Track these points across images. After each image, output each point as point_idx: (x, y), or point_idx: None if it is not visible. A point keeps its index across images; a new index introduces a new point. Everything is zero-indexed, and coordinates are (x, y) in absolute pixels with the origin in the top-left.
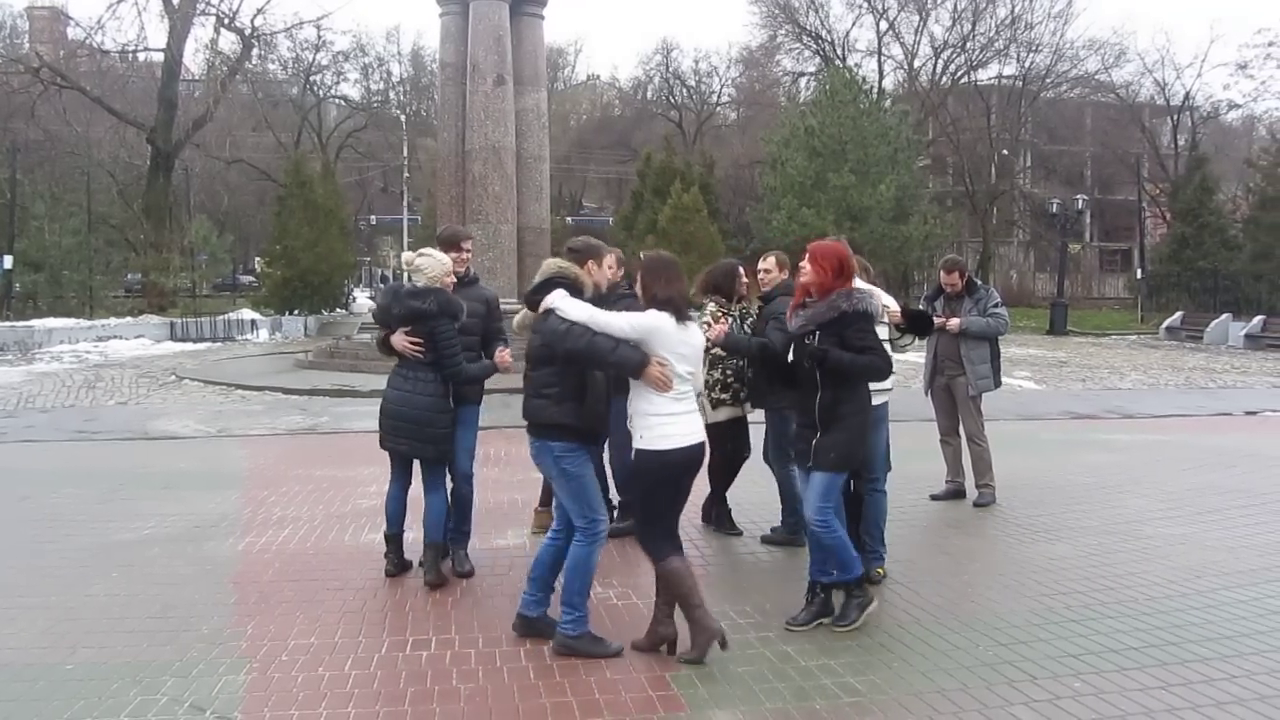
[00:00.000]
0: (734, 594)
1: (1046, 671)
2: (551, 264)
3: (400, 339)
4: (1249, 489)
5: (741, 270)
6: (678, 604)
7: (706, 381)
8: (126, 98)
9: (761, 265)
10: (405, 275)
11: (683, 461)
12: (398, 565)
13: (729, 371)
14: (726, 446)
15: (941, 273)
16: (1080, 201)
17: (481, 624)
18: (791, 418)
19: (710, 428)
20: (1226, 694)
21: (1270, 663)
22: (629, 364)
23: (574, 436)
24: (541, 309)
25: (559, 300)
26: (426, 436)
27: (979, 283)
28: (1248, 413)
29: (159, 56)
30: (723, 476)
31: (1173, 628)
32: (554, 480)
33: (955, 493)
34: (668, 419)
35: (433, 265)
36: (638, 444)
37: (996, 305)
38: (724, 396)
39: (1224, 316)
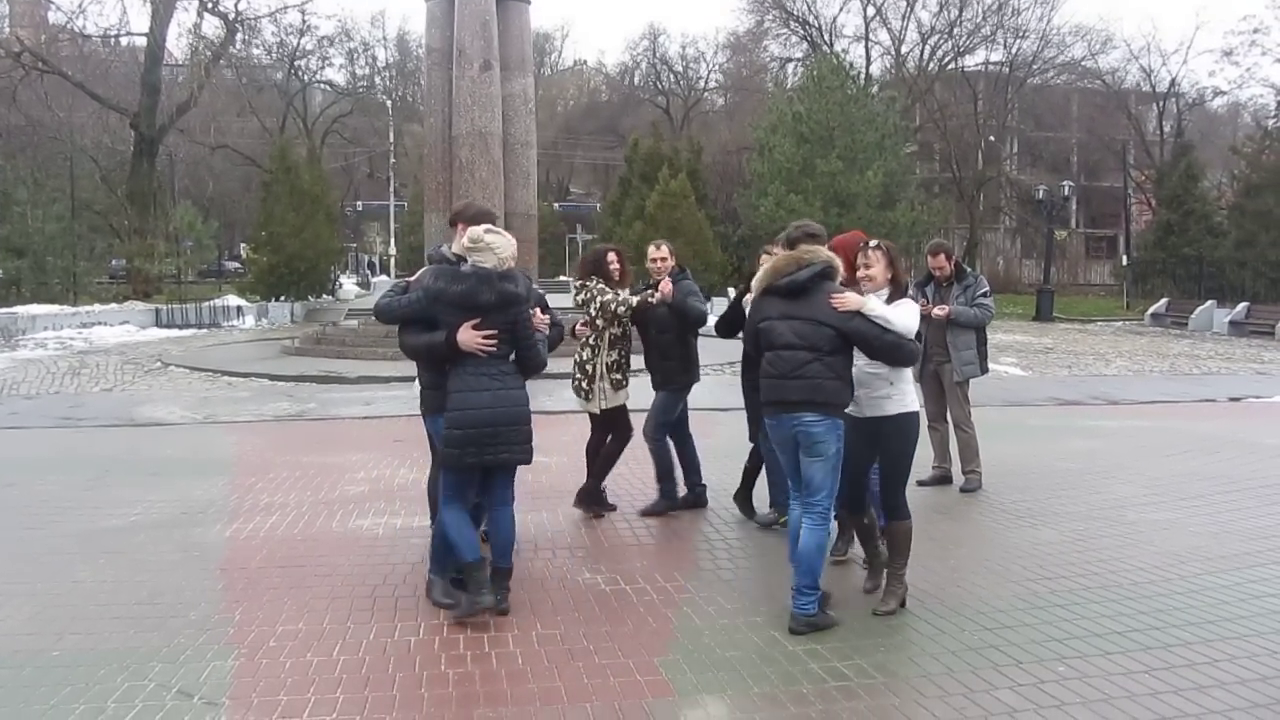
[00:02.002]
0: (719, 580)
1: (1031, 656)
2: (816, 252)
3: (473, 334)
4: (1233, 475)
5: (612, 255)
6: (896, 557)
7: (608, 364)
8: (109, 83)
9: (655, 254)
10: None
11: None
12: (496, 596)
13: (624, 353)
14: (628, 430)
15: (928, 257)
16: (1066, 188)
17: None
18: None
19: (611, 412)
20: (1209, 678)
21: (1252, 647)
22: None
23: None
24: (846, 309)
25: (880, 309)
26: (523, 437)
27: (969, 270)
28: (1232, 399)
29: (141, 41)
30: (614, 460)
31: (1156, 612)
32: (828, 458)
33: (942, 479)
34: None
35: (505, 245)
36: (910, 408)
37: (984, 294)
38: (619, 378)
39: (1209, 303)
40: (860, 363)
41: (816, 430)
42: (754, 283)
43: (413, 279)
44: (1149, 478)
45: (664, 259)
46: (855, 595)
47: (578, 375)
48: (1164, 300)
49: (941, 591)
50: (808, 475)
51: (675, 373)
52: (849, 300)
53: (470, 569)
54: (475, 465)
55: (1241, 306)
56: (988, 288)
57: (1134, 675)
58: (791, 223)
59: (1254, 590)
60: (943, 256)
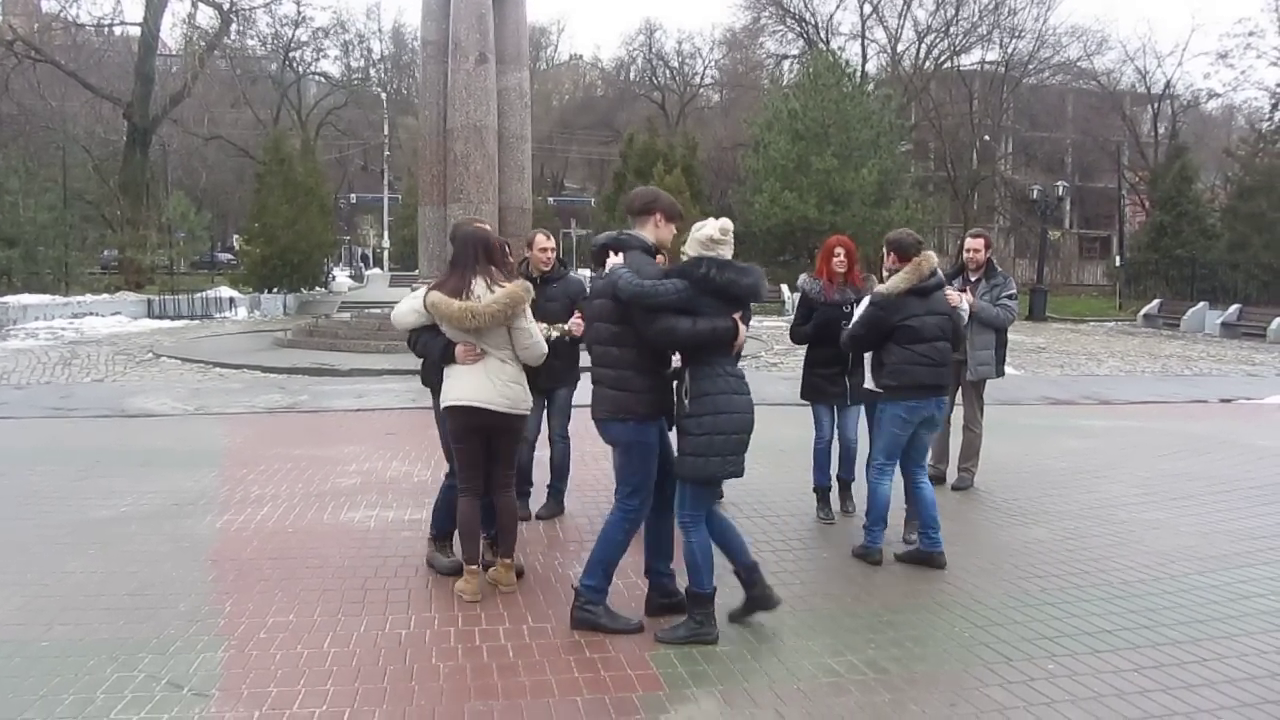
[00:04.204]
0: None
1: (1021, 653)
2: (932, 257)
3: (744, 329)
4: (1222, 475)
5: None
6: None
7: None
8: (102, 72)
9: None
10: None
11: None
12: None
13: None
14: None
15: (966, 238)
16: (1061, 188)
17: (461, 603)
18: None
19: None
20: (1197, 676)
21: (1240, 646)
22: None
23: None
24: (954, 304)
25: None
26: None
27: (999, 269)
28: (1223, 400)
29: (135, 30)
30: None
31: (1146, 611)
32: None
33: (936, 477)
34: None
35: None
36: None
37: (1010, 295)
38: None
39: (1201, 305)
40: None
41: (945, 408)
42: (897, 284)
43: (620, 262)
44: (1140, 478)
45: (552, 249)
46: (843, 592)
47: None
48: (1156, 301)
49: (932, 589)
50: (926, 445)
51: (562, 372)
52: (953, 297)
53: (706, 600)
54: (733, 475)
55: (1234, 308)
56: (1015, 290)
57: (1123, 673)
58: (901, 230)
59: (1243, 590)
60: (982, 241)
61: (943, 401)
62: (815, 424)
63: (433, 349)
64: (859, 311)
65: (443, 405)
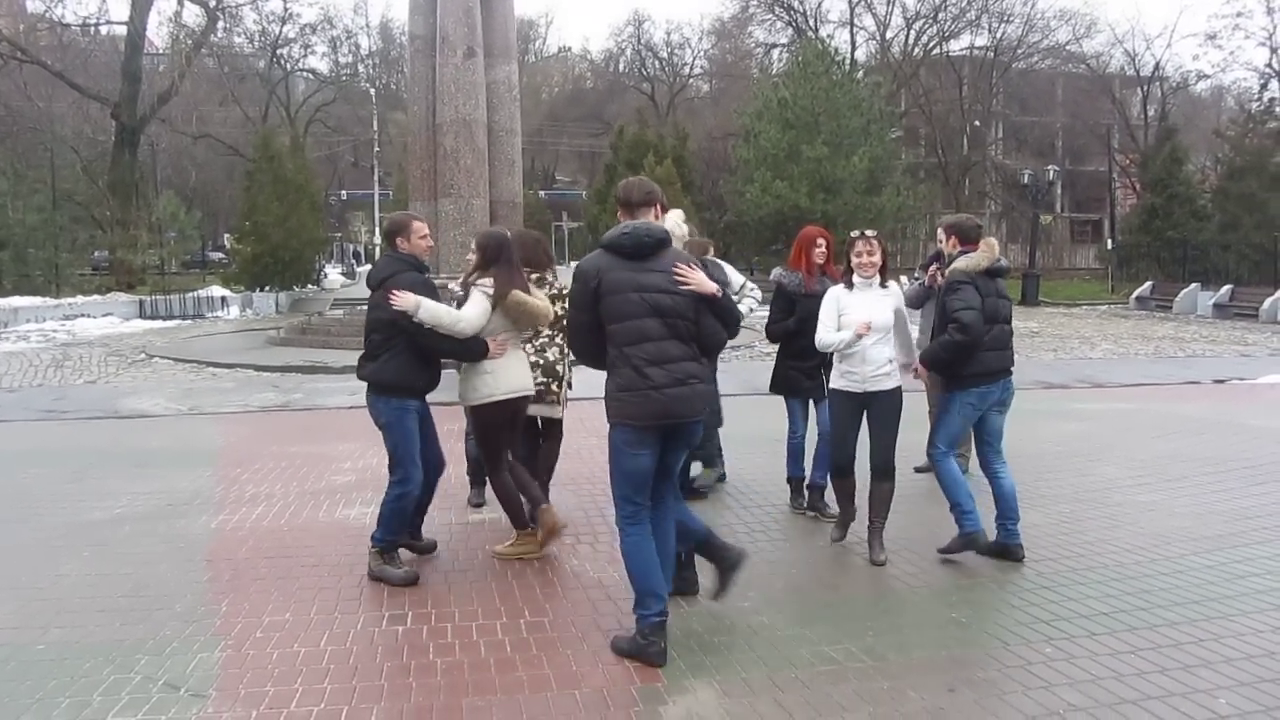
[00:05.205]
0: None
1: (1018, 637)
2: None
3: None
4: (1216, 456)
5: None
6: (884, 512)
7: (569, 363)
8: (89, 72)
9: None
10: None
11: None
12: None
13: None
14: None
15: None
16: (1051, 172)
17: (457, 599)
18: None
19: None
20: (1193, 657)
21: (1237, 626)
22: None
23: None
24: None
25: None
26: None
27: None
28: (1216, 381)
29: (121, 30)
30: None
31: (1141, 593)
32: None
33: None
34: None
35: None
36: (899, 383)
37: None
38: (570, 379)
39: (1193, 286)
40: (868, 342)
41: (1011, 390)
42: (978, 261)
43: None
44: (1134, 460)
45: None
46: (841, 580)
47: (543, 378)
48: (1149, 283)
49: (928, 574)
50: (1000, 427)
51: None
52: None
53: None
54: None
55: (1225, 289)
56: None
57: (1120, 655)
58: (959, 214)
59: (1238, 570)
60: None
61: (1009, 383)
62: (790, 418)
63: (477, 347)
64: (956, 298)
65: (499, 398)
